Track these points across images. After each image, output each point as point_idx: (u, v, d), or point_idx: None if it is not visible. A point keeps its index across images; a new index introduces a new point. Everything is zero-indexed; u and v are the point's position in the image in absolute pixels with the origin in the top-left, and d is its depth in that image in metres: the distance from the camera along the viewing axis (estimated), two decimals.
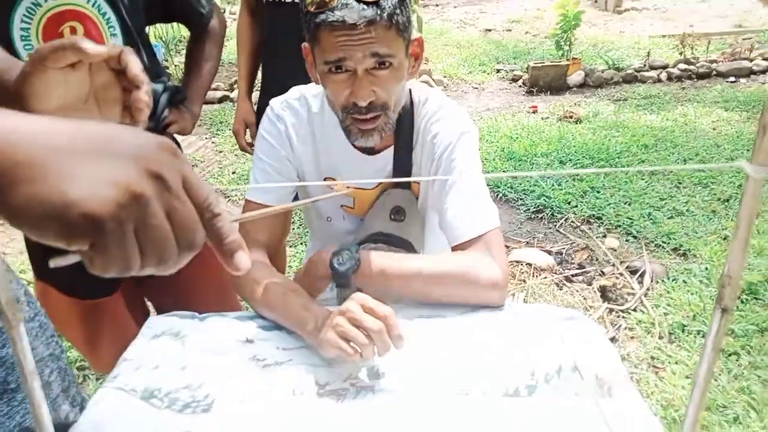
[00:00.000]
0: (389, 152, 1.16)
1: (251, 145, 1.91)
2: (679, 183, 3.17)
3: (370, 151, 1.16)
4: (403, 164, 1.16)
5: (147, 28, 1.30)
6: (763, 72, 4.92)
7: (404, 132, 1.15)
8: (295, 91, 1.19)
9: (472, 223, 1.05)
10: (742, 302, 2.21)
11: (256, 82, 1.97)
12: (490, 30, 7.18)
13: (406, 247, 1.21)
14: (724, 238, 2.65)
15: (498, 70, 5.51)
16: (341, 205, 1.23)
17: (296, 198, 1.27)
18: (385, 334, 0.82)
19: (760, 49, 5.31)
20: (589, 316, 2.19)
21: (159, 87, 1.27)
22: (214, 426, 0.81)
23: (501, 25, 7.41)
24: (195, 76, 1.44)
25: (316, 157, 1.18)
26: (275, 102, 1.19)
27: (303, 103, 1.17)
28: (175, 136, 1.39)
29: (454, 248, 1.07)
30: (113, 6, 1.17)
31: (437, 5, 8.89)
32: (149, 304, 1.57)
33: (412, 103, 1.15)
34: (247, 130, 1.93)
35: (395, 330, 0.83)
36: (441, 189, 1.11)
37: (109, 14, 1.17)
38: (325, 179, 1.21)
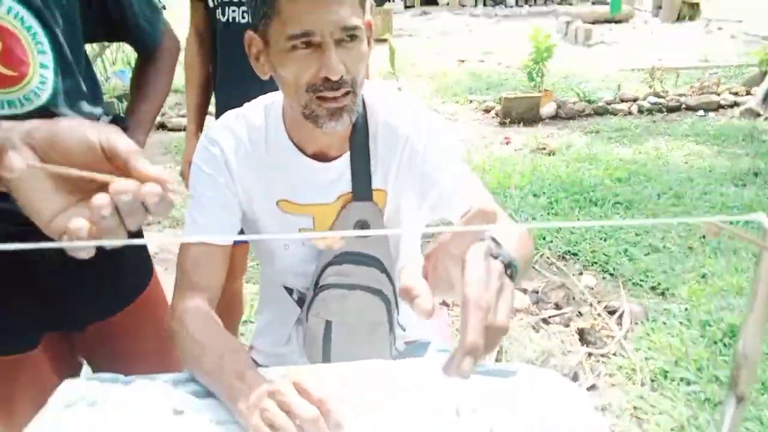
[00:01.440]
0: (345, 159, 1.03)
1: None
2: (655, 218, 3.11)
3: (324, 158, 1.03)
4: (361, 170, 1.04)
5: (91, 45, 1.16)
6: (730, 106, 4.98)
7: (358, 134, 1.03)
8: (231, 113, 1.06)
9: (487, 195, 1.00)
10: (725, 346, 2.12)
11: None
12: (463, 61, 7.20)
13: (376, 265, 1.08)
14: (703, 276, 2.57)
15: (471, 101, 5.47)
16: (299, 229, 1.08)
17: (241, 233, 1.13)
18: (320, 422, 0.71)
19: (727, 83, 5.40)
20: (569, 360, 2.07)
21: (98, 112, 1.13)
22: None
23: (474, 56, 7.44)
24: (140, 102, 1.29)
25: (263, 180, 1.05)
26: (209, 128, 1.06)
27: (241, 122, 1.05)
28: None
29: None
30: (41, 19, 1.01)
31: (410, 36, 8.93)
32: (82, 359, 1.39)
33: (364, 103, 1.04)
34: None
35: (332, 418, 0.72)
36: (434, 169, 1.00)
37: (36, 29, 1.01)
38: (278, 203, 1.07)
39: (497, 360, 2.02)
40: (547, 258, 2.80)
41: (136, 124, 1.26)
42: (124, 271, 1.21)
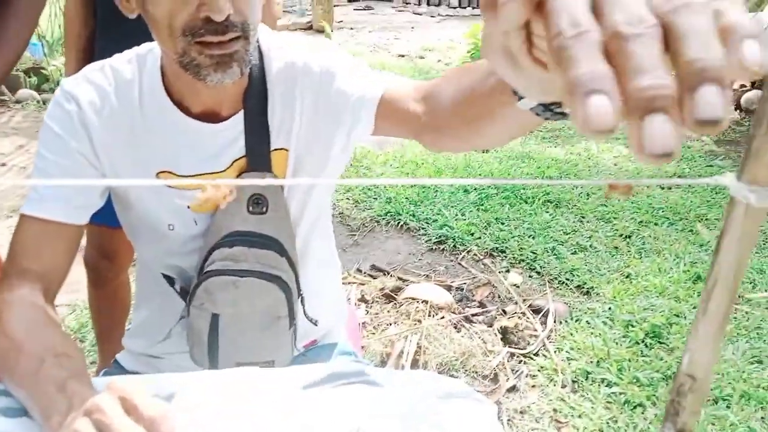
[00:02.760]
0: (238, 118, 0.86)
1: None
2: (583, 217, 3.08)
3: (212, 119, 0.86)
4: (257, 130, 0.87)
5: None
6: None
7: (254, 88, 0.86)
8: (95, 64, 0.87)
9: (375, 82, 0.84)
10: (647, 346, 2.08)
11: None
12: (403, 55, 7.10)
13: (274, 247, 0.90)
14: (627, 276, 2.54)
15: None
16: (188, 206, 0.89)
17: (108, 204, 0.93)
18: None
19: None
20: (489, 361, 1.96)
21: None
22: None
23: (415, 52, 7.36)
24: None
25: (136, 147, 0.86)
26: (67, 79, 0.86)
27: (107, 74, 0.86)
28: None
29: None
30: None
31: (351, 29, 8.77)
32: None
33: (260, 52, 0.87)
34: None
35: None
36: (341, 82, 0.85)
37: None
38: (157, 175, 0.88)
39: (414, 362, 1.89)
40: (474, 255, 2.71)
41: None
42: None
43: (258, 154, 0.88)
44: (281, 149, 0.89)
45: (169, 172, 0.88)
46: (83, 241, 1.08)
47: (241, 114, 0.87)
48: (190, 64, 0.75)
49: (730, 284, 0.28)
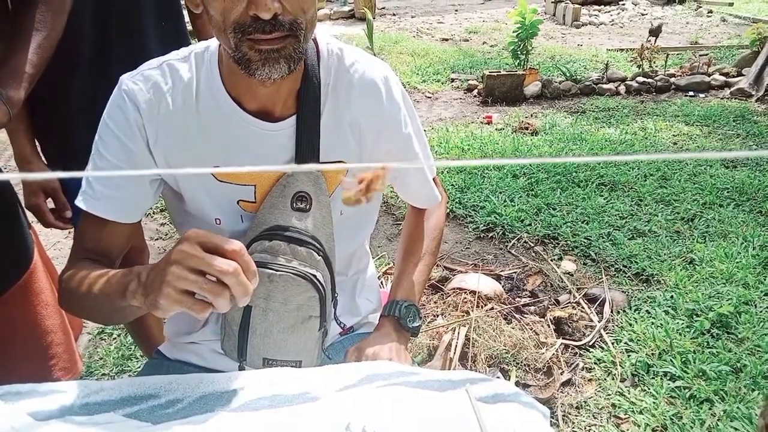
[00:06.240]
0: (292, 121, 0.88)
1: (62, 215, 1.28)
2: (641, 200, 2.92)
3: (268, 117, 0.87)
4: (309, 134, 0.89)
5: None
6: (721, 87, 4.79)
7: (310, 91, 0.88)
8: (153, 61, 0.89)
9: (432, 186, 1.05)
10: (713, 337, 1.94)
11: None
12: (447, 39, 6.95)
13: (313, 246, 0.90)
14: (690, 262, 2.39)
15: (452, 80, 5.25)
16: (238, 201, 0.91)
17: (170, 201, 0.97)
18: (241, 274, 0.64)
19: (718, 64, 5.21)
20: (542, 354, 1.88)
21: None
22: None
23: (458, 35, 7.20)
24: (14, 51, 1.05)
25: (192, 143, 0.87)
26: (126, 75, 0.88)
27: (164, 73, 0.87)
28: None
29: (421, 209, 1.11)
30: None
31: (394, 14, 8.66)
32: None
33: (318, 55, 0.89)
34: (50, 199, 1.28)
35: (251, 266, 0.66)
36: (403, 157, 0.98)
37: None
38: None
39: (462, 355, 1.83)
40: (525, 242, 2.61)
41: (4, 77, 1.00)
42: None
43: (308, 160, 0.89)
44: (338, 161, 0.92)
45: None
46: None
47: (294, 118, 0.88)
48: (241, 59, 0.76)
49: None
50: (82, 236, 0.90)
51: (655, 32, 5.12)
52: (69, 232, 2.33)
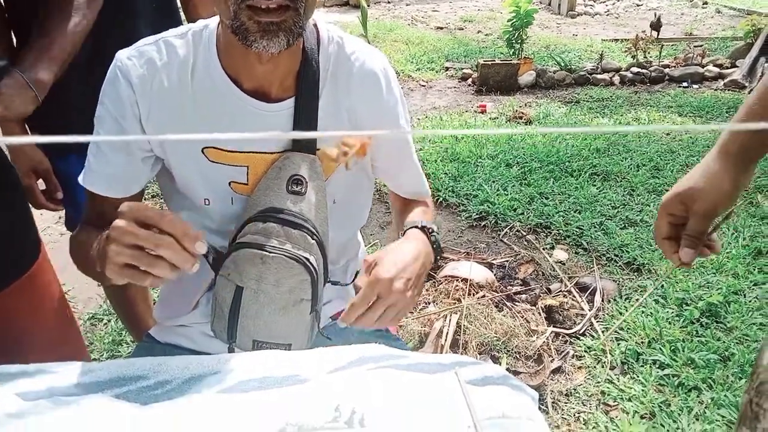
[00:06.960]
0: (290, 103, 0.88)
1: (53, 196, 1.29)
2: (633, 190, 2.93)
3: (266, 98, 0.87)
4: (306, 116, 0.89)
5: None
6: (714, 78, 4.80)
7: (309, 74, 0.88)
8: (149, 38, 0.88)
9: (424, 180, 1.07)
10: (702, 326, 1.95)
11: None
12: (441, 28, 6.92)
13: (306, 229, 0.89)
14: None
15: (447, 68, 5.23)
16: (230, 182, 0.91)
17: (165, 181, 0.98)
18: (174, 244, 0.66)
19: (712, 55, 5.22)
20: (533, 341, 1.89)
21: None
22: None
23: (453, 23, 7.17)
24: (47, 34, 0.99)
25: (182, 121, 0.87)
26: (122, 51, 0.88)
27: (160, 48, 0.87)
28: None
29: (414, 200, 1.08)
30: None
31: (389, 2, 8.61)
32: None
33: (318, 40, 0.90)
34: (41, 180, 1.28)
35: (188, 231, 0.67)
36: (398, 149, 1.01)
37: None
38: (203, 150, 0.89)
39: (454, 342, 1.83)
40: (517, 231, 2.61)
41: (33, 59, 0.95)
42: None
43: (305, 143, 0.89)
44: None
45: (216, 148, 0.88)
46: None
47: (292, 100, 0.88)
48: (239, 28, 0.75)
49: None
50: (88, 209, 0.94)
51: (655, 26, 5.11)
52: (60, 216, 2.32)
